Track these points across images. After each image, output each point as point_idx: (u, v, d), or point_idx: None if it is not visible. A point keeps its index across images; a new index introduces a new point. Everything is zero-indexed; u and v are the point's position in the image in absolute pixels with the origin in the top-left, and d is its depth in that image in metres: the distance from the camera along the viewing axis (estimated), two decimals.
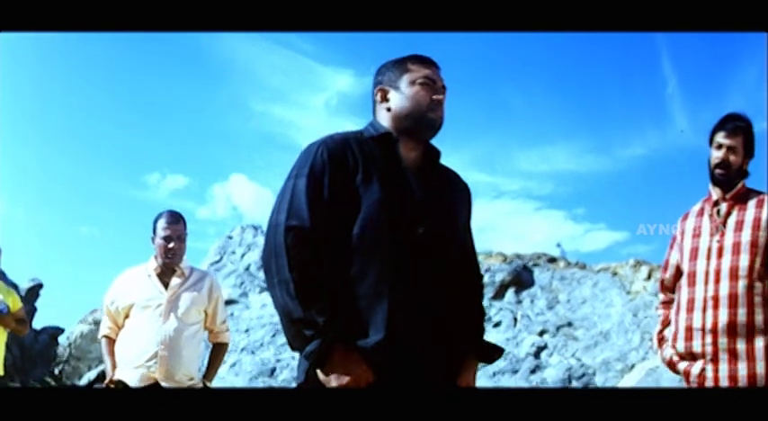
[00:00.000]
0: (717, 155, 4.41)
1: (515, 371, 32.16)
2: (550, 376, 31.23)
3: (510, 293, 37.06)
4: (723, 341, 4.23)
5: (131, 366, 5.28)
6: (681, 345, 4.40)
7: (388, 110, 3.06)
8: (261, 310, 38.91)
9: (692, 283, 4.37)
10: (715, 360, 4.23)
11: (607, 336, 32.39)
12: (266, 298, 38.86)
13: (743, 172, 4.44)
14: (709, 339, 4.24)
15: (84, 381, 35.63)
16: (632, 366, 29.81)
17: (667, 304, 4.67)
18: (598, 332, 32.92)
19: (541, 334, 34.10)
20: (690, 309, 4.35)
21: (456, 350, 3.02)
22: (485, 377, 32.97)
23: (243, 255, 42.91)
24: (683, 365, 4.38)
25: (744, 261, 4.24)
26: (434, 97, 2.99)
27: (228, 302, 37.30)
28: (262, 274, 38.52)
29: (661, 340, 4.57)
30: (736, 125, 4.42)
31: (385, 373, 2.80)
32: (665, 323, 4.63)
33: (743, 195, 4.43)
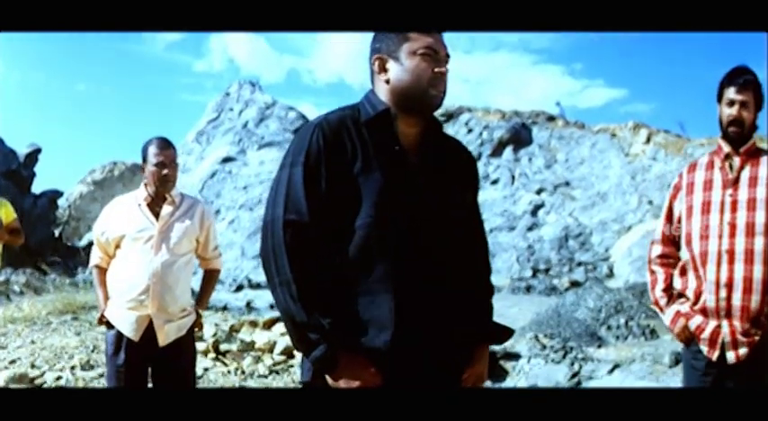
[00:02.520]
0: (729, 112, 4.27)
1: (512, 228, 32.62)
2: (547, 234, 31.71)
3: (508, 151, 37.21)
4: (737, 296, 4.17)
5: (124, 301, 5.07)
6: (692, 300, 4.38)
7: (387, 82, 2.88)
8: (259, 167, 39.10)
9: (704, 237, 4.28)
10: (729, 316, 4.23)
11: (604, 197, 32.73)
12: (264, 154, 39.11)
13: (754, 126, 4.37)
14: (723, 294, 4.18)
15: (83, 242, 36.14)
16: (629, 228, 30.24)
17: (665, 258, 4.57)
18: (596, 192, 33.24)
19: (539, 192, 34.44)
20: (703, 263, 4.25)
21: (464, 338, 2.96)
22: None
23: (240, 112, 42.84)
24: (696, 321, 4.34)
25: (760, 217, 4.14)
26: (436, 70, 2.75)
27: (227, 160, 37.54)
28: (260, 131, 38.30)
29: (671, 297, 4.48)
30: (746, 79, 4.25)
31: (394, 373, 2.74)
32: (669, 281, 4.54)
33: (755, 151, 4.32)
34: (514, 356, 16.23)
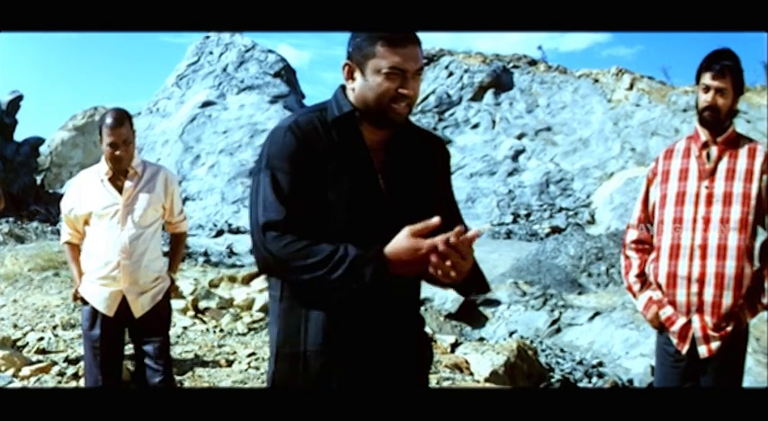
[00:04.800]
0: (705, 98, 4.17)
1: (493, 174, 32.70)
2: (528, 179, 31.83)
3: (489, 95, 37.14)
4: (709, 292, 4.18)
5: (96, 277, 5.12)
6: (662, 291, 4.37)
7: (353, 90, 2.88)
8: (239, 111, 38.92)
9: (677, 229, 4.22)
10: (700, 311, 4.23)
11: (586, 143, 32.80)
12: (244, 98, 38.93)
13: (733, 112, 4.31)
14: (694, 289, 4.16)
15: (65, 189, 35.94)
16: (611, 174, 30.37)
17: (640, 244, 4.54)
18: (577, 138, 33.31)
19: (520, 137, 34.48)
20: (674, 256, 4.24)
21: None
22: (461, 178, 33.49)
23: (220, 55, 42.54)
24: (666, 312, 4.34)
25: (735, 213, 4.12)
26: (400, 90, 2.69)
27: (206, 104, 37.30)
28: (239, 74, 37.83)
29: (644, 283, 4.48)
30: (724, 64, 4.14)
31: (352, 375, 2.78)
32: (643, 266, 4.51)
33: (733, 140, 4.24)
34: (494, 303, 16.40)
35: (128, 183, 5.16)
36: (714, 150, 4.21)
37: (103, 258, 5.09)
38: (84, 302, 5.17)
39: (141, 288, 5.15)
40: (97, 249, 5.13)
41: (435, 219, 2.52)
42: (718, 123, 4.18)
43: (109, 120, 5.03)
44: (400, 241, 2.55)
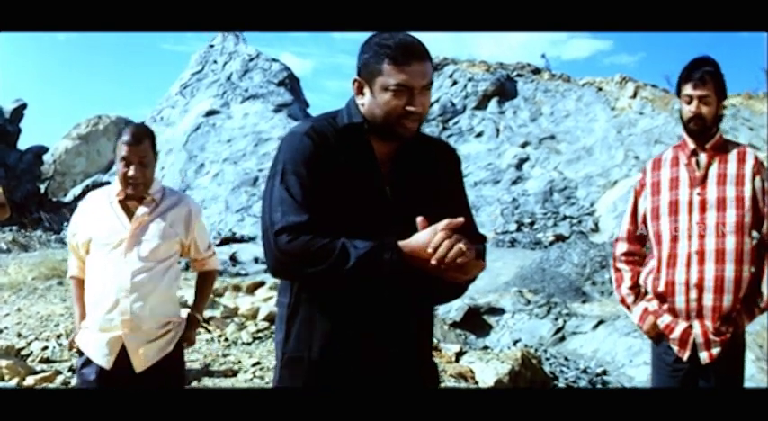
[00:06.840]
0: (689, 108, 4.16)
1: (497, 182, 32.69)
2: (532, 188, 31.82)
3: (493, 103, 37.16)
4: (708, 297, 4.19)
5: (93, 320, 4.34)
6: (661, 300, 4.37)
7: (362, 105, 2.89)
8: (243, 120, 38.97)
9: (674, 238, 4.25)
10: (700, 316, 4.23)
11: (590, 151, 32.81)
12: (248, 107, 38.97)
13: (718, 117, 4.31)
14: (693, 295, 4.17)
15: (68, 198, 36.09)
16: (615, 182, 30.35)
17: (630, 256, 4.56)
18: (581, 146, 33.32)
19: (524, 146, 34.48)
20: (672, 264, 4.24)
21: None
22: (465, 186, 33.34)
23: (225, 64, 42.62)
24: (665, 320, 4.34)
25: (730, 217, 4.14)
26: (408, 108, 2.72)
27: (210, 113, 37.35)
28: (243, 83, 37.83)
29: (638, 294, 4.49)
30: (704, 72, 4.15)
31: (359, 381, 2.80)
32: (636, 278, 4.50)
33: (722, 146, 4.28)
34: (498, 311, 16.38)
35: (141, 210, 4.42)
36: (703, 157, 4.24)
37: (100, 297, 4.34)
38: (81, 353, 4.40)
39: (146, 335, 4.34)
40: (95, 285, 4.39)
41: (459, 219, 2.60)
42: (705, 130, 4.21)
43: (126, 136, 4.32)
44: (417, 234, 2.63)
